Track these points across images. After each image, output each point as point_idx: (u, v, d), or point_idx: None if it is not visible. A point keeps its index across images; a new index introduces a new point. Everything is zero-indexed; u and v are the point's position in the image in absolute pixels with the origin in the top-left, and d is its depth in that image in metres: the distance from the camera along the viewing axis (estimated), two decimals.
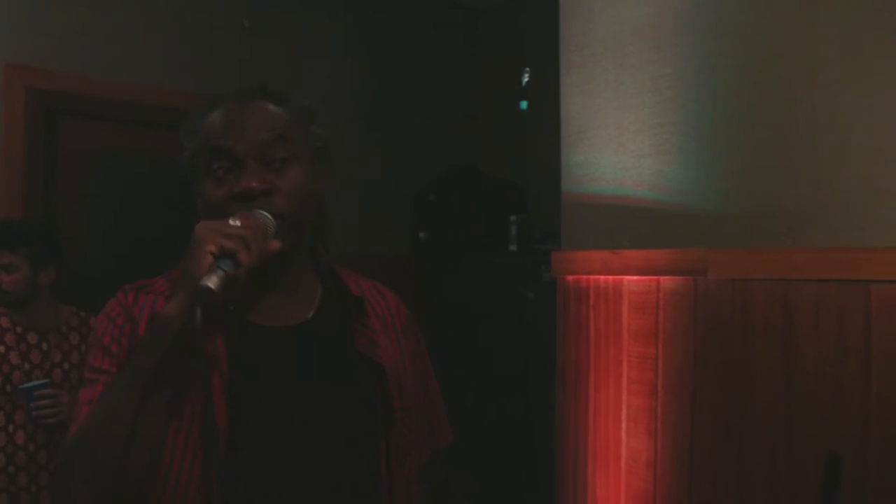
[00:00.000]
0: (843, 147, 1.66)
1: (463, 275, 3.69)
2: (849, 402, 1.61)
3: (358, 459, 1.16)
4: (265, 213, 1.07)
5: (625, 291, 1.99)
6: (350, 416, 1.16)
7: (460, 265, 3.70)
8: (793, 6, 1.74)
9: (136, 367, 1.02)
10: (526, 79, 3.07)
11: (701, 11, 1.91)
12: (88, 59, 3.09)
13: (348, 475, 1.15)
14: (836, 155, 1.67)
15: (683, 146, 1.92)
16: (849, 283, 1.61)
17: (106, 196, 3.25)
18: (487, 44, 4.49)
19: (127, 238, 3.26)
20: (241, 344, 1.12)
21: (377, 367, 1.19)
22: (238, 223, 1.02)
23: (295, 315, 1.19)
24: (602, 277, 2.05)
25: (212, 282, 0.96)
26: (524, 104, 3.14)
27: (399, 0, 4.10)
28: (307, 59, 3.76)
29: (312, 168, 1.18)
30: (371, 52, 4.04)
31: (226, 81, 3.24)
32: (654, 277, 1.93)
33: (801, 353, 1.68)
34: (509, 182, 3.82)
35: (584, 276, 2.09)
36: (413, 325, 1.32)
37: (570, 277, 2.13)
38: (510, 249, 3.41)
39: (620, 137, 2.04)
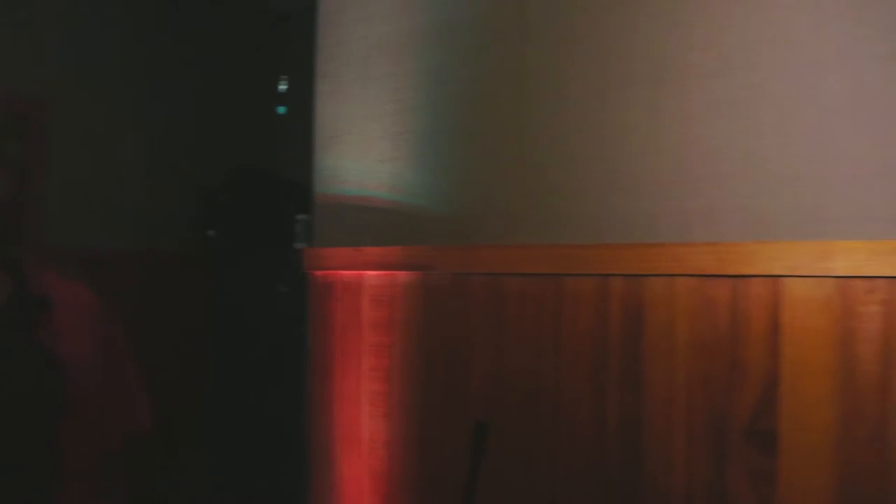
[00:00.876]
0: (545, 157, 1.90)
1: (246, 272, 3.76)
2: (544, 382, 1.84)
3: (41, 445, 1.25)
4: None
5: (365, 285, 2.16)
6: (33, 404, 1.24)
7: (244, 263, 3.78)
8: (507, 31, 1.96)
9: None
10: (283, 86, 3.18)
11: (436, 30, 2.10)
12: None
13: (31, 459, 1.23)
14: (539, 164, 1.90)
15: (417, 153, 2.11)
16: (545, 277, 1.85)
17: None
18: (286, 47, 4.55)
19: None
20: None
21: (58, 356, 1.28)
22: None
23: None
24: (346, 272, 2.20)
25: None
26: (282, 109, 3.26)
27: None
28: (88, 51, 3.69)
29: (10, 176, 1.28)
30: (159, 53, 4.00)
31: None
32: (390, 272, 2.10)
33: (510, 339, 1.90)
34: (298, 183, 3.91)
35: (331, 272, 2.24)
36: (102, 315, 1.42)
37: (318, 273, 2.27)
38: (293, 248, 3.52)
39: (364, 143, 2.20)
